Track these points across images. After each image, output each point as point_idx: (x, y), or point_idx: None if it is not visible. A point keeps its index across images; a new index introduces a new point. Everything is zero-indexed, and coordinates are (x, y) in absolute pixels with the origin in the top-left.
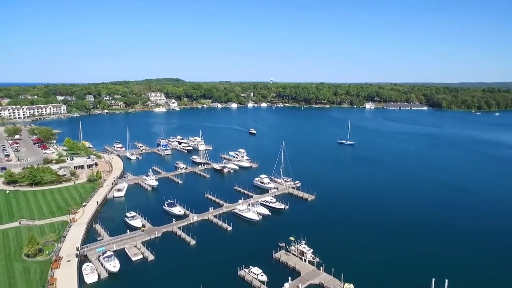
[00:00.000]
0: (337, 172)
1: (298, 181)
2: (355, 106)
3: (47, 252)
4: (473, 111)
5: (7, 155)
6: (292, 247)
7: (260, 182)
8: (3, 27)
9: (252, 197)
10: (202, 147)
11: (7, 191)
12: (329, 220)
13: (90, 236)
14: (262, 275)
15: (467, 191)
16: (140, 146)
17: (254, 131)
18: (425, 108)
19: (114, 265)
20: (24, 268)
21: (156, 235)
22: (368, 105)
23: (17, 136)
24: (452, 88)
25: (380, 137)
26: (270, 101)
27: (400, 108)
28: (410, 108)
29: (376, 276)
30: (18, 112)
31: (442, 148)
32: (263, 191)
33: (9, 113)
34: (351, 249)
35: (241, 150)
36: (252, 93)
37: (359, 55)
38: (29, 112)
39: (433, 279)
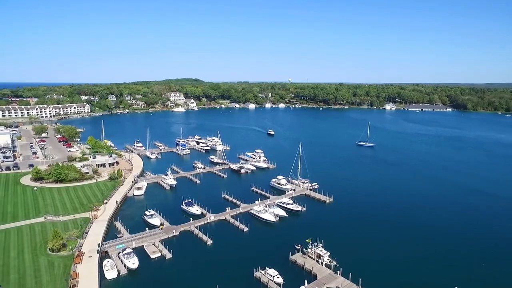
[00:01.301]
0: (355, 174)
1: (315, 183)
2: (375, 107)
3: (70, 247)
4: (500, 113)
5: (35, 153)
6: (309, 250)
7: (277, 183)
8: (38, 31)
9: (269, 198)
10: (219, 147)
11: (35, 188)
12: (347, 223)
13: (110, 233)
14: (278, 277)
15: (493, 196)
16: (160, 146)
17: (272, 132)
18: (448, 109)
19: (133, 262)
20: (48, 262)
21: (174, 234)
22: (389, 106)
23: (43, 135)
24: (478, 89)
25: (401, 139)
26: (288, 102)
27: (422, 109)
28: (433, 110)
29: (395, 283)
30: (45, 111)
31: (466, 151)
32: (280, 192)
33: (37, 112)
34: (369, 254)
35: (258, 150)
36: (270, 94)
37: (379, 55)
38: (55, 111)
39: None
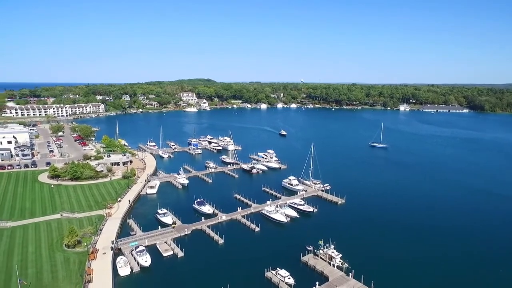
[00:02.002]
0: (368, 176)
1: (327, 184)
2: (388, 108)
3: (85, 244)
4: None
5: (52, 151)
6: (321, 251)
7: (289, 183)
8: (52, 31)
9: (280, 198)
10: (231, 147)
11: (52, 186)
12: (359, 224)
13: (124, 231)
14: (289, 278)
15: (510, 199)
16: (172, 145)
17: (284, 133)
18: (465, 110)
19: (145, 260)
20: (64, 257)
21: (186, 233)
22: (403, 107)
23: (60, 133)
24: (496, 89)
25: (415, 140)
26: (300, 102)
27: (437, 110)
28: (449, 111)
29: (408, 285)
30: (61, 111)
31: (482, 153)
32: (291, 193)
33: (54, 111)
34: (382, 256)
35: (270, 151)
36: (282, 94)
37: (393, 55)
38: (71, 111)
39: None
